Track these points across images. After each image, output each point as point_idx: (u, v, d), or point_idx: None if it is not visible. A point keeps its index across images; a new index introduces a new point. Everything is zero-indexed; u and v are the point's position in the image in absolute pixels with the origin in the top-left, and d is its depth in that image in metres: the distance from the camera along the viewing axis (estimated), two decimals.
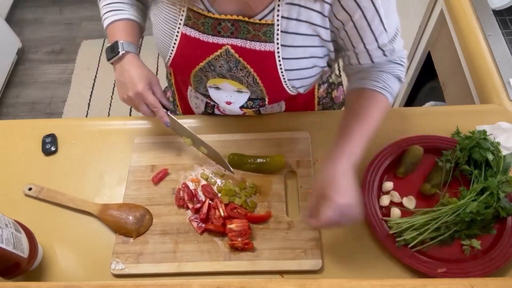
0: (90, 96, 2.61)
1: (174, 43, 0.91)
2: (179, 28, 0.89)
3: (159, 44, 0.95)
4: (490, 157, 0.93)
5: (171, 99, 1.29)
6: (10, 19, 2.89)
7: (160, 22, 0.92)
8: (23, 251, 0.83)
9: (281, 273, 0.87)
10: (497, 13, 1.26)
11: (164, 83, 1.29)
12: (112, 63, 0.96)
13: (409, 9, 1.71)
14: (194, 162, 1.03)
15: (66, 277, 0.89)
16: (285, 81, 0.91)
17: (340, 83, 1.23)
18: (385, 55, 0.89)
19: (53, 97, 2.64)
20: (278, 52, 0.86)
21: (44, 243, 0.92)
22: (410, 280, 0.73)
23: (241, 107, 1.03)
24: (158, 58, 2.65)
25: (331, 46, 0.89)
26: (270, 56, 0.87)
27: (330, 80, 1.17)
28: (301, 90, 0.97)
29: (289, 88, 0.93)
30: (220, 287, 0.71)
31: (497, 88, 1.11)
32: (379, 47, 0.87)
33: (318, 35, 0.86)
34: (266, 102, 1.01)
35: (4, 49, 2.62)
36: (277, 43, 0.85)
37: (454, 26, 1.30)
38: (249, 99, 1.00)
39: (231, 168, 0.99)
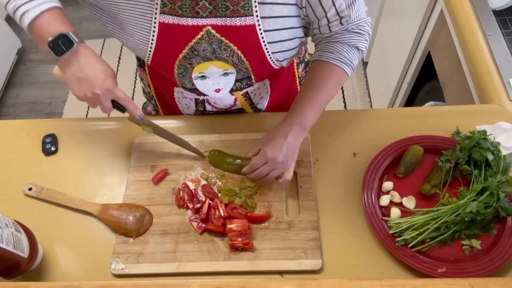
0: None
1: (153, 35, 0.89)
2: (155, 18, 0.87)
3: (137, 41, 0.91)
4: (490, 157, 0.93)
5: (153, 112, 1.28)
6: (10, 19, 2.89)
7: (134, 18, 0.89)
8: (23, 251, 0.83)
9: (281, 273, 0.87)
10: (497, 13, 1.26)
11: (140, 100, 1.27)
12: (59, 59, 0.86)
13: (409, 9, 1.71)
14: (194, 162, 1.03)
15: (66, 277, 0.89)
16: (269, 55, 0.92)
17: None
18: (341, 23, 0.91)
19: (53, 97, 2.64)
20: (259, 25, 0.87)
21: (44, 243, 0.92)
22: (410, 280, 0.73)
23: (231, 91, 1.03)
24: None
25: (301, 13, 0.90)
26: (251, 30, 0.87)
27: (306, 59, 1.20)
28: (284, 64, 0.98)
29: (273, 62, 0.94)
30: (220, 287, 0.71)
31: (497, 88, 1.11)
32: (337, 12, 0.88)
33: (295, 4, 0.87)
34: (253, 81, 1.02)
35: (4, 49, 2.62)
36: (257, 15, 0.86)
37: (454, 26, 1.30)
38: (236, 80, 1.00)
39: (201, 152, 1.00)
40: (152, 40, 0.90)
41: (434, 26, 1.48)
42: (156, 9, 0.86)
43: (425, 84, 1.73)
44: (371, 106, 2.44)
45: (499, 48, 1.18)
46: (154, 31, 0.88)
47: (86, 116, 2.52)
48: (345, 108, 2.47)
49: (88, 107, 2.56)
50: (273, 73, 1.04)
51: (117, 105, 0.91)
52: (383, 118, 1.10)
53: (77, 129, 1.13)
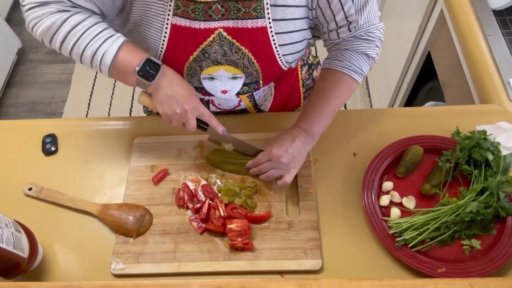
0: (90, 96, 2.61)
1: (165, 37, 0.89)
2: (168, 20, 0.87)
3: (149, 41, 0.91)
4: (490, 157, 0.93)
5: (155, 111, 1.27)
6: (10, 19, 2.89)
7: (147, 19, 0.89)
8: (23, 251, 0.83)
9: (281, 273, 0.87)
10: (497, 13, 1.26)
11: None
12: (150, 84, 0.86)
13: (409, 9, 1.71)
14: (194, 162, 1.03)
15: (66, 277, 0.89)
16: (279, 57, 0.92)
17: (318, 63, 1.26)
18: (349, 29, 0.91)
19: (53, 97, 2.64)
20: (270, 27, 0.87)
21: (44, 243, 0.92)
22: (410, 280, 0.73)
23: (237, 94, 1.04)
24: None
25: (311, 15, 0.90)
26: (263, 32, 0.87)
27: (309, 62, 1.21)
28: (293, 65, 0.98)
29: (283, 64, 0.94)
30: (220, 287, 0.71)
31: (497, 88, 1.11)
32: (345, 17, 0.88)
33: (306, 6, 0.87)
34: (261, 85, 1.03)
35: (4, 49, 2.62)
36: (268, 17, 0.86)
37: (454, 26, 1.30)
38: (244, 84, 1.00)
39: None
40: (163, 42, 0.90)
41: (434, 26, 1.48)
42: (169, 10, 0.86)
43: (425, 84, 1.73)
44: (371, 106, 2.44)
45: (499, 48, 1.18)
46: (166, 33, 0.89)
47: (86, 116, 2.52)
48: (345, 108, 2.47)
49: (88, 107, 2.56)
50: (280, 74, 1.04)
51: (199, 124, 0.93)
52: (383, 118, 1.10)
53: (77, 129, 1.13)
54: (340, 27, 0.90)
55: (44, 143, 1.08)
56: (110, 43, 0.85)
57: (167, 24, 0.88)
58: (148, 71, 0.85)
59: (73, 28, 0.84)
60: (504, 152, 0.96)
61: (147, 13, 0.88)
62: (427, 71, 1.61)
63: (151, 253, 0.90)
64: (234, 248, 0.89)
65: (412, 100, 1.85)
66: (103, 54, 0.84)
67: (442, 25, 1.41)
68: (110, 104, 2.56)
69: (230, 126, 1.09)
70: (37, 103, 2.62)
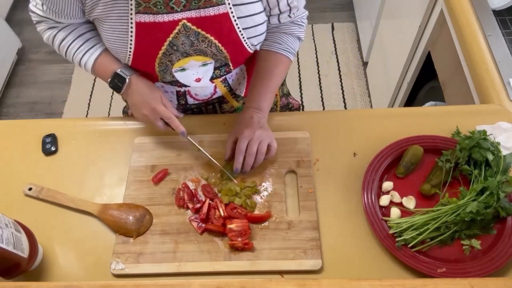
0: (90, 96, 2.61)
1: (131, 36, 0.91)
2: (131, 19, 0.88)
3: (117, 44, 0.93)
4: (490, 157, 0.93)
5: None
6: (10, 19, 2.89)
7: (111, 23, 0.90)
8: (23, 251, 0.83)
9: (281, 273, 0.87)
10: (497, 13, 1.26)
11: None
12: (120, 94, 1.01)
13: (409, 9, 1.71)
14: (194, 162, 1.03)
15: (66, 277, 0.89)
16: (244, 40, 0.96)
17: None
18: (289, 16, 1.02)
19: (53, 97, 2.64)
20: (232, 12, 0.90)
21: (44, 243, 0.92)
22: (410, 280, 0.73)
23: (211, 79, 1.06)
24: None
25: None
26: (225, 18, 0.90)
27: None
28: (258, 47, 1.03)
29: (249, 47, 0.99)
30: (220, 287, 0.71)
31: (497, 88, 1.11)
32: (288, 3, 0.98)
33: None
34: (231, 67, 1.06)
35: (4, 49, 2.62)
36: (229, 3, 0.89)
37: (454, 26, 1.30)
38: (215, 68, 1.03)
39: (232, 178, 1.00)
40: (131, 41, 0.91)
41: (434, 26, 1.48)
42: (131, 9, 0.88)
43: (425, 84, 1.73)
44: (371, 106, 2.44)
45: (499, 48, 1.18)
46: (132, 32, 0.90)
47: (86, 116, 2.52)
48: (345, 108, 2.47)
49: (88, 107, 2.56)
50: (248, 57, 1.07)
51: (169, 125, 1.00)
52: (383, 118, 1.11)
53: (77, 129, 1.13)
54: (282, 13, 1.00)
55: (44, 143, 1.09)
56: (88, 56, 1.00)
57: (131, 23, 0.89)
58: (117, 84, 0.99)
59: (61, 43, 1.01)
60: (504, 152, 0.96)
61: (110, 17, 0.90)
62: (427, 71, 1.61)
63: (151, 253, 0.90)
64: (234, 248, 0.89)
65: (412, 100, 1.85)
66: (85, 65, 1.01)
67: (442, 25, 1.41)
68: (110, 104, 2.55)
69: (228, 126, 1.09)
70: (37, 103, 2.62)
